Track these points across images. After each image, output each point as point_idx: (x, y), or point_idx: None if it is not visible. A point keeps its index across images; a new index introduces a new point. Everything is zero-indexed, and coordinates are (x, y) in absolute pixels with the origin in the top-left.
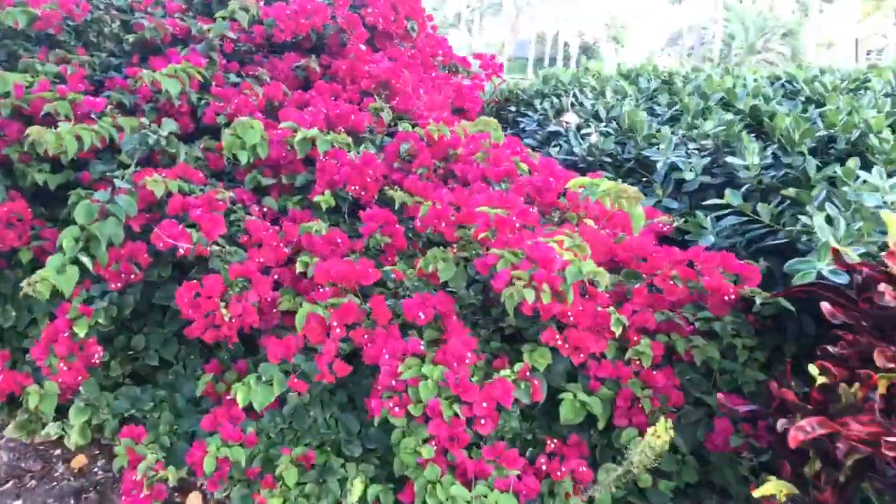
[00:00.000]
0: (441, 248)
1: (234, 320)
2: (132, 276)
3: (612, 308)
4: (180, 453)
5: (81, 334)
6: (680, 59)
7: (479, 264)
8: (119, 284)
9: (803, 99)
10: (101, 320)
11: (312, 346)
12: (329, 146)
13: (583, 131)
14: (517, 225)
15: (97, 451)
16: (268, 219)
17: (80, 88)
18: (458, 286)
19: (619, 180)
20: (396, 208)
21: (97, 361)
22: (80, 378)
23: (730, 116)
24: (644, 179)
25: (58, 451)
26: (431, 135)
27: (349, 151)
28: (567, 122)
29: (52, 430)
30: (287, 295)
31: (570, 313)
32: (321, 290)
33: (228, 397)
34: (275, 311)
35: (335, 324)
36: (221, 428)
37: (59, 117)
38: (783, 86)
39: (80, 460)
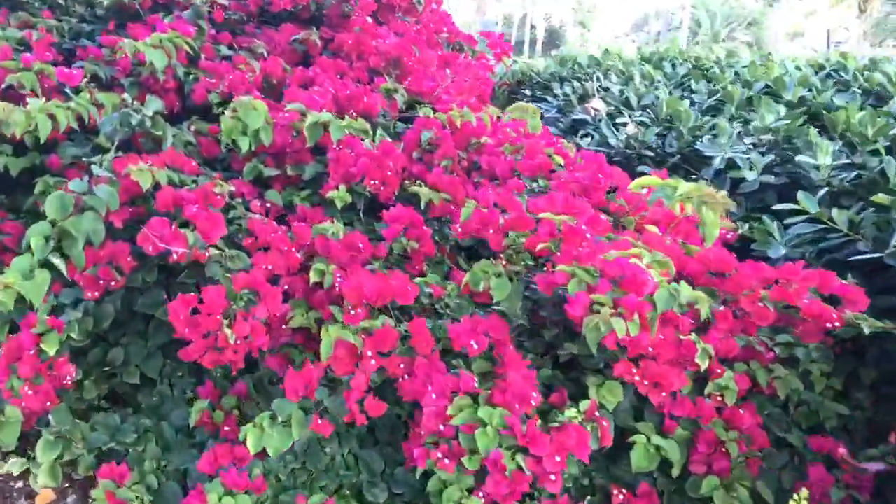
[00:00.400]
0: (490, 259)
1: (239, 342)
2: (112, 283)
3: (695, 336)
4: (170, 497)
5: (51, 353)
6: (647, 44)
7: (541, 282)
8: (97, 293)
9: (858, 90)
10: (74, 335)
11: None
12: (343, 133)
13: (617, 120)
14: (588, 235)
15: (67, 485)
16: (271, 216)
17: (47, 58)
18: (511, 307)
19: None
20: (422, 207)
21: (69, 383)
22: (48, 404)
23: (782, 108)
24: (693, 177)
25: (20, 485)
26: (454, 121)
27: (364, 139)
28: (597, 110)
29: (15, 466)
30: (299, 309)
31: (651, 345)
32: (351, 311)
33: (227, 428)
34: (284, 327)
35: (369, 353)
36: (224, 473)
37: (23, 91)
38: (829, 75)
39: (46, 496)
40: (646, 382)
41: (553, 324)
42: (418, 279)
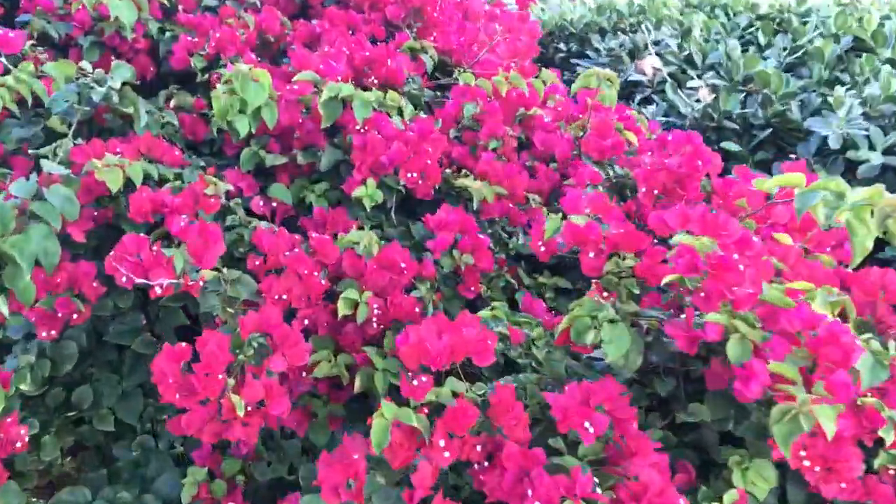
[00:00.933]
0: (600, 297)
1: (250, 409)
2: (74, 316)
3: (877, 401)
4: None
5: None
6: None
7: (681, 338)
8: (54, 331)
9: None
10: (24, 386)
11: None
12: (370, 111)
13: (682, 83)
14: (741, 268)
15: None
16: (278, 217)
17: None
18: (630, 364)
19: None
20: (475, 207)
21: (21, 447)
22: None
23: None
24: (792, 156)
25: None
26: (498, 89)
27: (391, 115)
28: (657, 69)
29: None
30: (324, 350)
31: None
32: (412, 380)
33: (231, 503)
34: (304, 375)
35: (442, 443)
36: None
37: None
38: None
39: None
40: (817, 469)
41: (668, 373)
42: (484, 313)
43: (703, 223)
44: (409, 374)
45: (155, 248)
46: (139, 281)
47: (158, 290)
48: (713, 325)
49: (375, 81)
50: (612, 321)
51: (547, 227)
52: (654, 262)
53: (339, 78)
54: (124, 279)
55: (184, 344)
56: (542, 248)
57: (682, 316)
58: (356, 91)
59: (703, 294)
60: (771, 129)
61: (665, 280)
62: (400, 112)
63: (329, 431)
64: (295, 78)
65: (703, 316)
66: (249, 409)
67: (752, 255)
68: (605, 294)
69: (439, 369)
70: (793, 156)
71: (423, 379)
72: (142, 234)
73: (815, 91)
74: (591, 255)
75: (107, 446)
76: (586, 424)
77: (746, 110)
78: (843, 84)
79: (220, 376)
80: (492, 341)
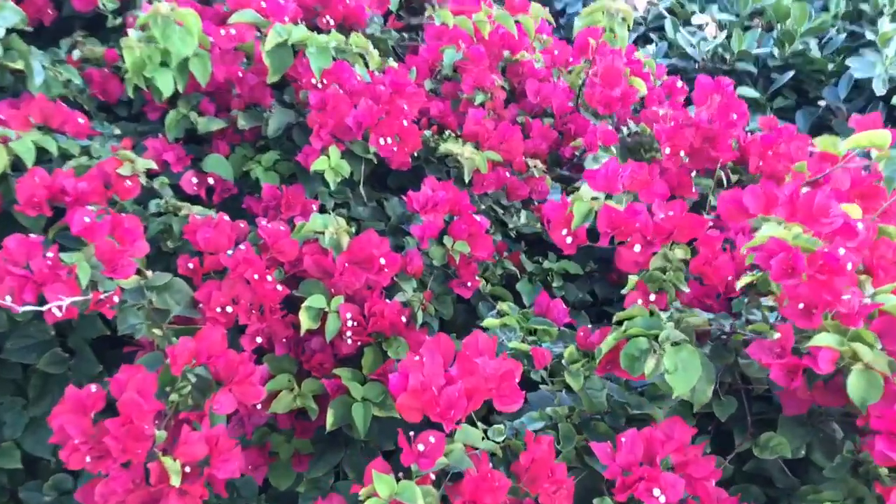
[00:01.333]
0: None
1: (189, 470)
2: None
3: None
4: None
5: None
6: None
7: (775, 368)
8: None
9: None
10: None
11: None
12: (329, 59)
13: (693, 21)
14: (849, 267)
15: None
16: (216, 199)
17: None
18: (698, 397)
19: None
20: (467, 180)
21: None
22: None
23: None
24: (820, 103)
25: None
26: (479, 29)
27: (354, 65)
28: (652, 3)
29: None
30: (283, 375)
31: None
32: (415, 445)
33: None
34: (258, 406)
35: None
36: None
37: None
38: None
39: None
40: None
41: (722, 386)
42: (491, 322)
43: (792, 207)
44: (412, 450)
45: (51, 253)
46: (25, 308)
47: (57, 313)
48: (826, 353)
49: (331, 22)
50: (675, 344)
51: (575, 211)
52: (712, 252)
53: (287, 18)
54: (8, 300)
55: (94, 388)
56: (570, 240)
57: (775, 334)
58: (310, 34)
59: (801, 305)
60: (795, 73)
61: (741, 283)
62: (365, 61)
63: (294, 473)
64: (231, 19)
65: (805, 335)
66: (188, 469)
67: (855, 246)
68: (652, 297)
69: (454, 428)
70: (821, 103)
71: (432, 440)
72: (32, 236)
73: (834, 26)
74: (638, 247)
75: (13, 489)
76: (656, 492)
77: (760, 50)
78: (863, 16)
79: (147, 428)
80: (518, 375)
